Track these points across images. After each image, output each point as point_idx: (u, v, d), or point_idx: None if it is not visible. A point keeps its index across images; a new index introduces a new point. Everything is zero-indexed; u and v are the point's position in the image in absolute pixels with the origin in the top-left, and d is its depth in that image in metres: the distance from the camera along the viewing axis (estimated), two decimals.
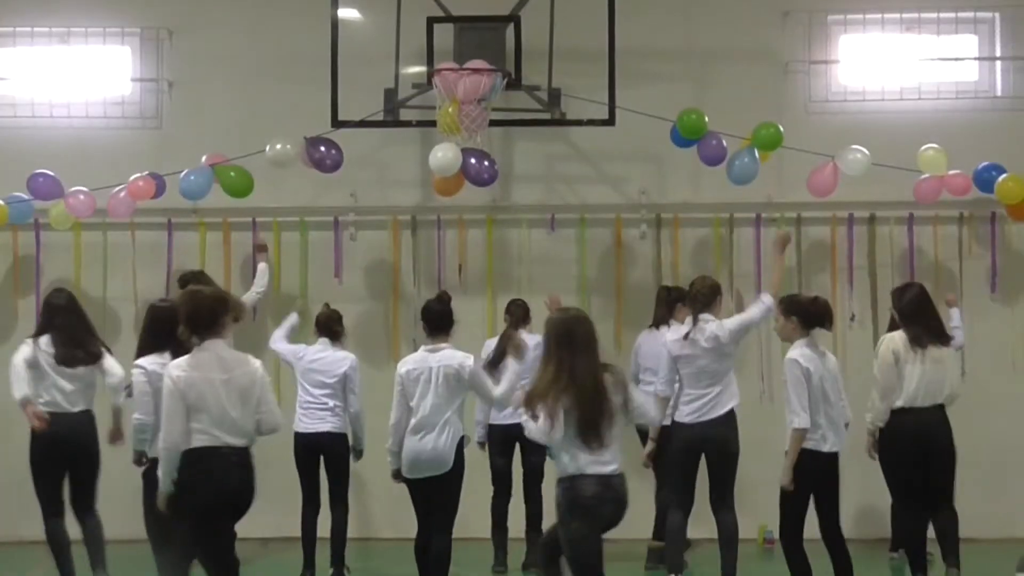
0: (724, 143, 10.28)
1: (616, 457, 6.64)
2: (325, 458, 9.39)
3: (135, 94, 11.54)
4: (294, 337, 9.96)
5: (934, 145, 10.48)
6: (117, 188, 10.48)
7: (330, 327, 9.52)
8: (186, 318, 6.87)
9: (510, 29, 10.38)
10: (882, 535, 10.99)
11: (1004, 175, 10.35)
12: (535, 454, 9.09)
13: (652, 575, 9.64)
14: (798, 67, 11.34)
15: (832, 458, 7.91)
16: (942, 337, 8.57)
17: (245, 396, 6.74)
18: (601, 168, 11.39)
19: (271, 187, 10.82)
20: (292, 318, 10.12)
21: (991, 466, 10.96)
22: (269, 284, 10.68)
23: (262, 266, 10.63)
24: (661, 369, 8.80)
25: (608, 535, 6.73)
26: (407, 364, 8.02)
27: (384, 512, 11.00)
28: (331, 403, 9.32)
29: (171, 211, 11.10)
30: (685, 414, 8.60)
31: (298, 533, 9.47)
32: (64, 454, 8.57)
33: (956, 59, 11.42)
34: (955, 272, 11.19)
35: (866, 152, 10.30)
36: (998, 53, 11.43)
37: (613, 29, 10.36)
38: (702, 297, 8.67)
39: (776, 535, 8.25)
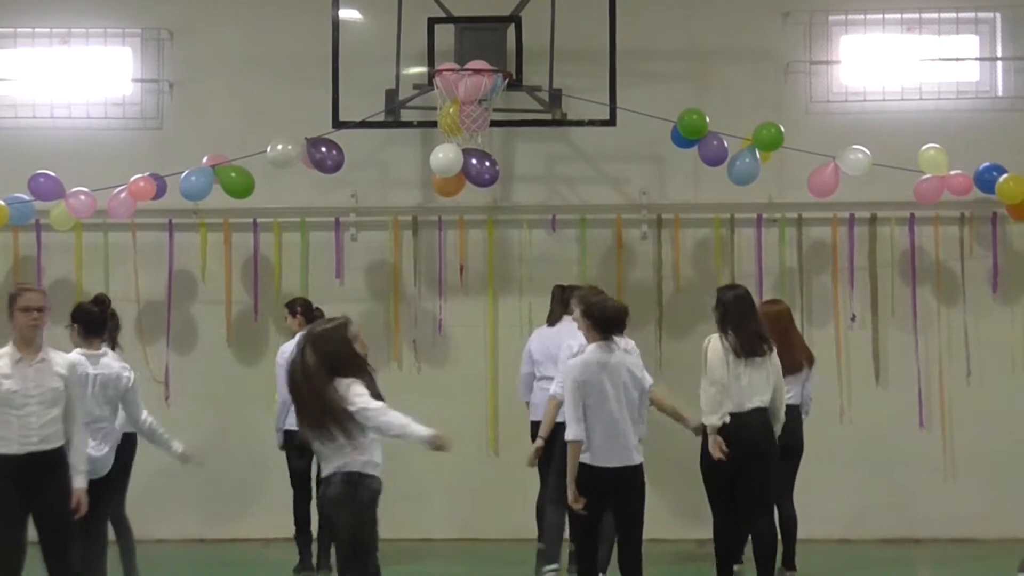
0: (725, 143, 10.27)
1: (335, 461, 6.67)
2: None
3: (136, 95, 11.54)
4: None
5: (935, 145, 10.46)
6: (118, 189, 10.47)
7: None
8: None
9: (511, 30, 10.38)
10: (881, 535, 11.03)
11: (1005, 175, 10.33)
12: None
13: None
14: (799, 67, 11.33)
15: (616, 473, 7.16)
16: (760, 346, 8.06)
17: None
18: (602, 168, 11.38)
19: (272, 188, 10.81)
20: None
21: (991, 466, 10.95)
22: None
23: None
24: (558, 373, 8.32)
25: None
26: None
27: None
28: None
29: (172, 212, 11.10)
30: None
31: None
32: None
33: (957, 59, 11.41)
34: (956, 272, 11.18)
35: (867, 152, 10.28)
36: (999, 53, 11.42)
37: (614, 29, 10.35)
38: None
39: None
